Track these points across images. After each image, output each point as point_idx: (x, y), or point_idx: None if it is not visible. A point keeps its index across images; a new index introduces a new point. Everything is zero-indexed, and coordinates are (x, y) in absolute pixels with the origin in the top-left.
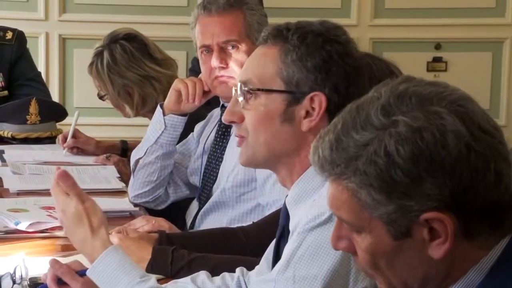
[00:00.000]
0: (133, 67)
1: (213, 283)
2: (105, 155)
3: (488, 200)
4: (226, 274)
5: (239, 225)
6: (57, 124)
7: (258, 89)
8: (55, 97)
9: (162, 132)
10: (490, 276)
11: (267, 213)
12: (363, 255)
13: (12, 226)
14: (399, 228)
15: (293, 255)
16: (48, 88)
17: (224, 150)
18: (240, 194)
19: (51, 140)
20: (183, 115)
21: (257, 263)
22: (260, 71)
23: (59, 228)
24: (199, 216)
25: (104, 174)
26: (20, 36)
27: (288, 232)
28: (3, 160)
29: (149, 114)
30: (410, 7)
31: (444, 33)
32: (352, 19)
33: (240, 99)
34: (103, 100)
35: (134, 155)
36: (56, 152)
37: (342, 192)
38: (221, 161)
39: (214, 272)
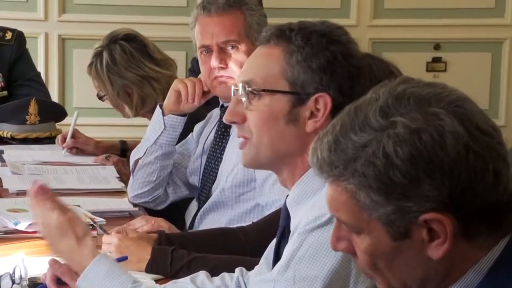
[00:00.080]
0: (132, 67)
1: (213, 283)
2: (104, 155)
3: (486, 200)
4: (225, 274)
5: (239, 225)
6: (56, 124)
7: (263, 90)
8: (55, 97)
9: (162, 132)
10: (489, 276)
11: (267, 213)
12: (362, 256)
13: (11, 226)
14: (398, 229)
15: (293, 255)
16: (47, 89)
17: (224, 150)
18: (239, 194)
19: (50, 140)
20: (183, 115)
21: (257, 263)
22: (264, 72)
23: None
24: (198, 216)
25: (103, 174)
26: (19, 36)
27: (289, 232)
28: (3, 160)
29: (149, 114)
30: (409, 8)
31: (443, 34)
32: (351, 19)
33: (243, 99)
34: (103, 101)
35: (133, 155)
36: (56, 152)
37: (341, 193)
38: (220, 161)
39: (214, 272)
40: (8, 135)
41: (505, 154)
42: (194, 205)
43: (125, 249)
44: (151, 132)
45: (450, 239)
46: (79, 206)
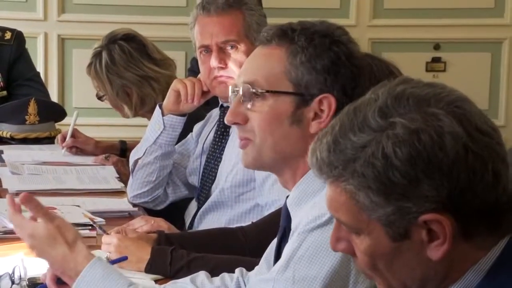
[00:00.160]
0: (131, 67)
1: (213, 283)
2: (104, 155)
3: (486, 201)
4: (225, 275)
5: (238, 225)
6: (56, 124)
7: (267, 91)
8: (54, 97)
9: (161, 132)
10: (488, 277)
11: (266, 213)
12: (362, 256)
13: (11, 226)
14: (397, 229)
15: (293, 255)
16: (47, 88)
17: (223, 150)
18: (239, 194)
19: (50, 140)
20: (182, 115)
21: (257, 263)
22: (267, 72)
23: None
24: (197, 216)
25: (103, 174)
26: (19, 36)
27: (290, 233)
28: (2, 160)
29: (148, 114)
30: (409, 8)
31: (443, 34)
32: (351, 19)
33: (246, 100)
34: (102, 101)
35: (133, 156)
36: (55, 152)
37: (340, 194)
38: (220, 161)
39: (213, 272)
40: (8, 135)
41: (504, 155)
42: (193, 205)
43: (124, 249)
44: (151, 132)
45: (450, 240)
46: (78, 206)
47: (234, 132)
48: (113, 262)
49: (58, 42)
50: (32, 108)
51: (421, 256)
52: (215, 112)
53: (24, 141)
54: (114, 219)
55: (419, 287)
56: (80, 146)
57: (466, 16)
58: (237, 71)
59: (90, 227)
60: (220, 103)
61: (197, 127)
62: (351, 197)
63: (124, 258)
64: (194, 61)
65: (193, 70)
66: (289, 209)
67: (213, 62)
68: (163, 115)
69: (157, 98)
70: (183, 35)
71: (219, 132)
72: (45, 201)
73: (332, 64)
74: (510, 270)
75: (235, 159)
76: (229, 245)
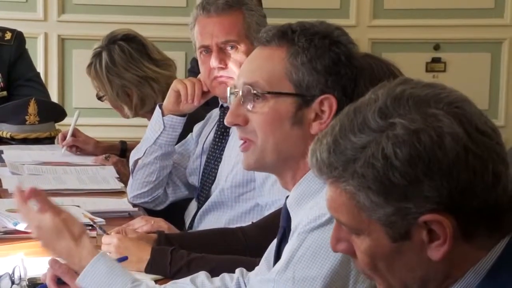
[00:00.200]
0: (131, 68)
1: (213, 283)
2: (104, 156)
3: (486, 201)
4: (225, 275)
5: (238, 225)
6: (56, 124)
7: (268, 92)
8: (54, 97)
9: (161, 132)
10: (488, 277)
11: (266, 213)
12: (362, 257)
13: (11, 226)
14: (397, 230)
15: (293, 255)
16: (47, 89)
17: (223, 151)
18: (239, 194)
19: (50, 140)
20: (182, 115)
21: (257, 263)
22: (267, 73)
23: None
24: (197, 216)
25: (103, 175)
26: (19, 37)
27: (290, 233)
28: (2, 161)
29: (148, 114)
30: (409, 8)
31: (443, 34)
32: (351, 19)
33: (246, 101)
34: (102, 101)
35: (133, 156)
36: (55, 153)
37: (340, 194)
38: (220, 161)
39: (214, 272)
40: (8, 135)
41: (504, 155)
42: (193, 205)
43: (124, 250)
44: (151, 132)
45: (450, 240)
46: (78, 206)
47: (234, 132)
48: None
49: (58, 42)
50: (32, 108)
51: (421, 256)
52: (215, 113)
53: (24, 141)
54: (114, 219)
55: (419, 287)
56: (80, 145)
57: (466, 16)
58: (237, 71)
59: (90, 227)
60: (220, 103)
61: (197, 127)
62: (351, 198)
63: (124, 258)
64: (194, 61)
65: (193, 70)
66: (289, 209)
67: (213, 62)
68: (163, 115)
69: (157, 99)
70: (183, 35)
71: (219, 132)
72: None
73: (332, 64)
74: (511, 270)
75: (235, 159)
76: (229, 245)
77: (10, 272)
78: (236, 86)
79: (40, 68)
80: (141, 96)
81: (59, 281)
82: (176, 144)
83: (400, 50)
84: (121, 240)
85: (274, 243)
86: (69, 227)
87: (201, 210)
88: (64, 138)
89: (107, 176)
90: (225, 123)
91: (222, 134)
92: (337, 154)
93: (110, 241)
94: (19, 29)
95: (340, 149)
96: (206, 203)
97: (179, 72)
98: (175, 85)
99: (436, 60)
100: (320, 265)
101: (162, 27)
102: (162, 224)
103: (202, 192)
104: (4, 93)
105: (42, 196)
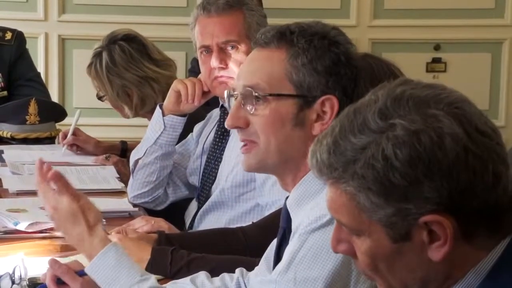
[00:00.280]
0: (132, 68)
1: (213, 283)
2: (104, 156)
3: (486, 201)
4: (225, 275)
5: (238, 225)
6: (56, 124)
7: (269, 94)
8: (55, 97)
9: (162, 132)
10: (489, 278)
11: (266, 213)
12: (363, 258)
13: (11, 226)
14: (398, 231)
15: (294, 257)
16: (47, 89)
17: (223, 151)
18: (239, 194)
19: (50, 140)
20: (183, 115)
21: (257, 263)
22: (268, 75)
23: None
24: (198, 216)
25: (103, 175)
26: (19, 37)
27: (290, 234)
28: (3, 160)
29: (148, 115)
30: (409, 8)
31: (443, 34)
32: (351, 20)
33: (247, 104)
34: (102, 101)
35: (133, 156)
36: (56, 152)
37: (341, 195)
38: (220, 161)
39: (214, 272)
40: (8, 135)
41: (504, 155)
42: (193, 205)
43: (125, 250)
44: (151, 132)
45: (450, 241)
46: None
47: (235, 132)
48: None
49: (58, 42)
50: (32, 108)
51: (422, 257)
52: (215, 113)
53: (25, 141)
54: (115, 219)
55: None
56: (81, 144)
57: (467, 16)
58: (237, 71)
59: None
60: (221, 103)
61: (197, 127)
62: (351, 199)
63: None
64: (195, 61)
65: (193, 70)
66: (289, 210)
67: (214, 62)
68: (163, 115)
69: (157, 99)
70: (184, 35)
71: (219, 133)
72: None
73: (333, 65)
74: (511, 271)
75: (236, 159)
76: (230, 245)
77: (11, 272)
78: (235, 89)
79: (40, 68)
80: (142, 96)
81: (59, 281)
82: (176, 144)
83: (401, 50)
84: (122, 240)
85: (273, 243)
86: (86, 214)
87: (201, 210)
88: (65, 137)
89: (107, 176)
90: (226, 126)
91: (222, 134)
92: (337, 155)
93: None
94: (19, 29)
95: (340, 150)
96: (207, 203)
97: (179, 72)
98: (175, 85)
99: (436, 60)
100: (322, 266)
101: (163, 27)
102: (163, 224)
103: (202, 192)
104: (5, 93)
105: (64, 182)
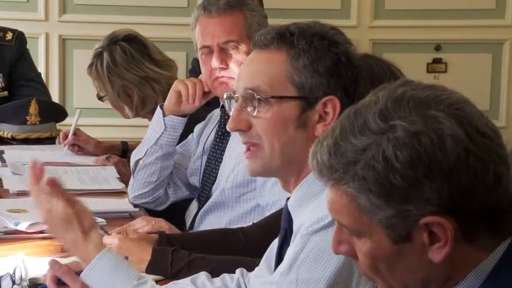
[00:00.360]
0: (132, 68)
1: (213, 284)
2: (105, 156)
3: (487, 202)
4: (226, 275)
5: (239, 225)
6: (57, 124)
7: (272, 97)
8: (55, 97)
9: (162, 133)
10: (490, 279)
11: (267, 213)
12: (363, 259)
13: (11, 226)
14: (398, 232)
15: (296, 258)
16: (48, 89)
17: (224, 151)
18: (239, 195)
19: (51, 140)
20: (183, 116)
21: (257, 264)
22: (269, 78)
23: None
24: (198, 217)
25: (104, 175)
26: (20, 37)
27: (291, 235)
28: (3, 161)
29: (149, 115)
30: (410, 9)
31: (444, 35)
32: (352, 20)
33: (248, 106)
34: (102, 101)
35: (134, 156)
36: (56, 153)
37: (341, 197)
38: (220, 162)
39: (214, 273)
40: (9, 136)
41: (505, 156)
42: (194, 205)
43: (125, 250)
44: (152, 132)
45: (451, 242)
46: None
47: (235, 133)
48: None
49: (59, 43)
50: (33, 108)
51: (422, 258)
52: (216, 113)
53: (25, 141)
54: (115, 219)
55: None
56: (82, 144)
57: (467, 17)
58: (238, 72)
59: None
60: (221, 103)
61: (198, 127)
62: (352, 200)
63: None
64: (195, 61)
65: (194, 70)
66: (290, 211)
67: (214, 62)
68: (164, 115)
69: (158, 99)
70: (184, 35)
71: (220, 133)
72: None
73: (333, 65)
74: None
75: (236, 160)
76: (230, 246)
77: (11, 272)
78: (236, 91)
79: (41, 68)
80: (142, 96)
81: (59, 282)
82: (177, 145)
83: (401, 51)
84: (122, 240)
85: (274, 243)
86: (80, 219)
87: (201, 211)
88: (66, 137)
89: (108, 177)
90: (228, 129)
91: (223, 134)
92: (338, 156)
93: (111, 242)
94: (20, 29)
95: (340, 151)
96: (207, 204)
97: (180, 73)
98: (176, 86)
99: (437, 61)
100: (323, 267)
101: (163, 28)
102: (163, 225)
103: (202, 193)
104: (5, 93)
105: (59, 189)
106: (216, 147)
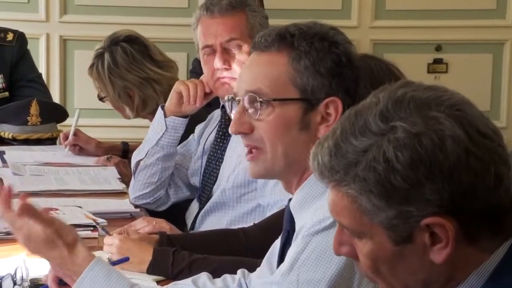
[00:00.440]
0: (134, 69)
1: (214, 285)
2: (106, 156)
3: (488, 203)
4: (227, 276)
5: (240, 226)
6: (58, 125)
7: (274, 99)
8: (56, 98)
9: (163, 134)
10: (491, 280)
11: (268, 213)
12: (364, 260)
13: None
14: (400, 233)
15: (297, 258)
16: (49, 90)
17: (225, 151)
18: (240, 195)
19: (52, 141)
20: (184, 117)
21: (258, 264)
22: (271, 80)
23: None
24: (199, 217)
25: (104, 175)
26: (21, 37)
27: (293, 236)
28: (4, 161)
29: (150, 116)
30: (410, 9)
31: (444, 35)
32: (352, 20)
33: (251, 109)
34: (103, 102)
35: (135, 157)
36: (57, 153)
37: (342, 198)
38: (221, 162)
39: (215, 273)
40: (10, 136)
41: (506, 157)
42: (195, 205)
43: (126, 251)
44: (153, 133)
45: (452, 243)
46: (80, 207)
47: None
48: (115, 263)
49: (60, 43)
50: (34, 109)
51: (424, 259)
52: (216, 113)
53: (26, 142)
54: (116, 220)
55: None
56: (82, 145)
57: (468, 17)
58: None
59: (92, 228)
60: (221, 103)
61: (198, 128)
62: (352, 201)
63: (126, 259)
64: (196, 62)
65: (195, 71)
66: (292, 212)
67: (217, 63)
68: (165, 116)
69: (159, 100)
70: (185, 36)
71: (220, 133)
72: (46, 202)
73: (335, 66)
74: None
75: (237, 160)
76: (231, 246)
77: (12, 273)
78: (237, 94)
79: (42, 69)
80: (143, 97)
81: (60, 282)
82: (178, 145)
83: (402, 51)
84: (123, 241)
85: (275, 244)
86: (62, 236)
87: (202, 211)
88: (66, 138)
89: (108, 177)
90: (230, 132)
91: (223, 134)
92: (339, 157)
93: (112, 242)
94: (21, 30)
95: (341, 153)
96: (208, 204)
97: (180, 73)
98: (177, 87)
99: (438, 61)
100: (325, 268)
101: (164, 28)
102: (164, 225)
103: (203, 193)
104: (6, 93)
105: (32, 211)
106: (217, 147)
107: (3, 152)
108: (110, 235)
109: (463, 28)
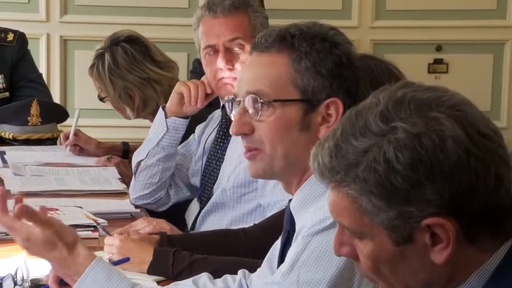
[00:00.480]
0: (134, 69)
1: (215, 285)
2: (106, 157)
3: (488, 204)
4: (228, 276)
5: (240, 225)
6: (58, 125)
7: (275, 100)
8: (56, 98)
9: (164, 134)
10: (492, 280)
11: (268, 214)
12: (365, 261)
13: None
14: (400, 234)
15: (297, 258)
16: (49, 90)
17: (225, 151)
18: (241, 195)
19: (52, 141)
20: (185, 117)
21: (259, 265)
22: (271, 81)
23: None
24: (200, 217)
25: (105, 175)
26: (21, 38)
27: (294, 236)
28: (4, 161)
29: (150, 116)
30: (411, 9)
31: (445, 35)
32: (353, 21)
33: (251, 110)
34: (104, 102)
35: (135, 157)
36: (57, 153)
37: (343, 199)
38: (221, 162)
39: (216, 274)
40: (10, 136)
41: (506, 157)
42: (195, 205)
43: (127, 251)
44: (154, 134)
45: (453, 243)
46: (80, 207)
47: None
48: (115, 263)
49: (60, 43)
50: (34, 109)
51: (424, 260)
52: (217, 113)
53: (27, 142)
54: (116, 220)
55: None
56: (82, 145)
57: (468, 17)
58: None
59: (92, 228)
60: (221, 103)
61: (199, 128)
62: (353, 202)
63: (126, 260)
64: (196, 62)
65: (195, 71)
66: (292, 212)
67: (220, 63)
68: (166, 117)
69: (159, 101)
70: (185, 36)
71: (221, 133)
72: (47, 202)
73: (335, 67)
74: None
75: (237, 160)
76: (232, 247)
77: (13, 273)
78: (237, 95)
79: (42, 69)
80: (144, 97)
81: (61, 282)
82: (178, 145)
83: (402, 51)
84: (124, 241)
85: (275, 244)
86: (62, 237)
87: (203, 211)
88: (67, 138)
89: (109, 177)
90: (231, 133)
91: (224, 134)
92: (339, 158)
93: (112, 242)
94: (21, 30)
95: (341, 153)
96: (208, 204)
97: (181, 73)
98: (178, 87)
99: (438, 61)
100: (325, 268)
101: (164, 28)
102: (164, 225)
103: (204, 193)
104: (7, 94)
105: (30, 213)
106: (217, 147)
107: (4, 152)
108: (110, 235)
109: (463, 28)
